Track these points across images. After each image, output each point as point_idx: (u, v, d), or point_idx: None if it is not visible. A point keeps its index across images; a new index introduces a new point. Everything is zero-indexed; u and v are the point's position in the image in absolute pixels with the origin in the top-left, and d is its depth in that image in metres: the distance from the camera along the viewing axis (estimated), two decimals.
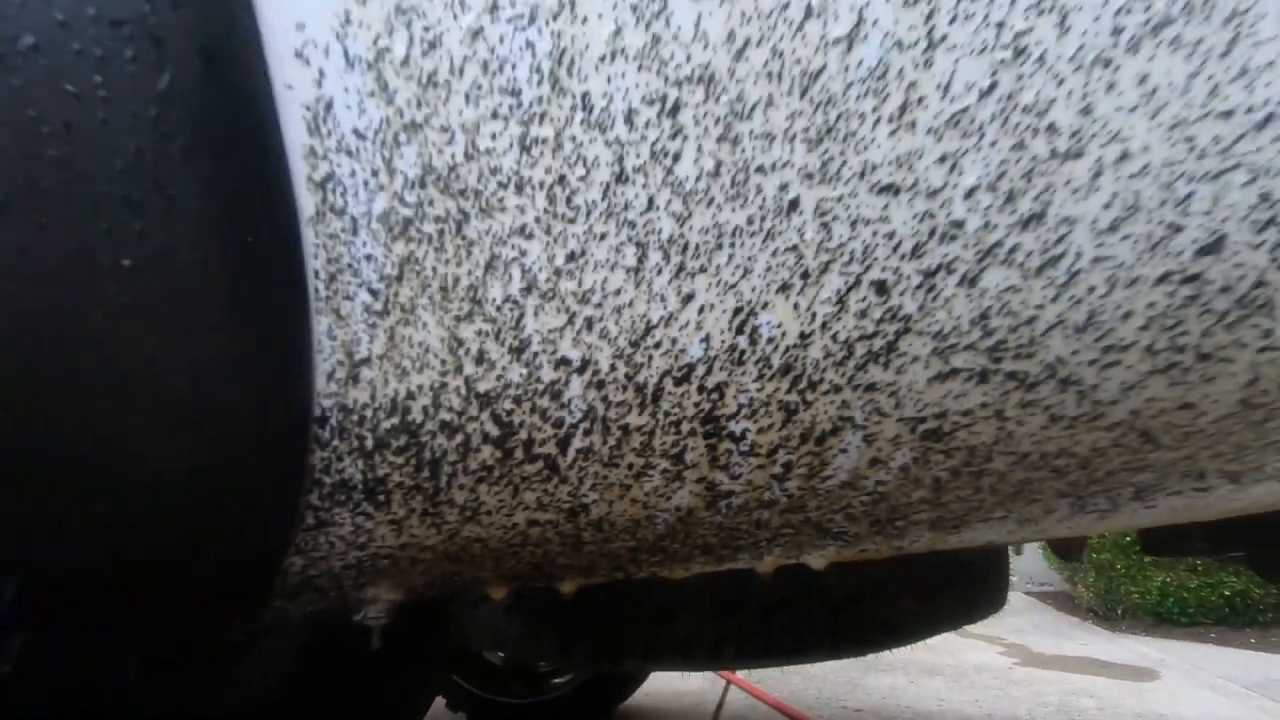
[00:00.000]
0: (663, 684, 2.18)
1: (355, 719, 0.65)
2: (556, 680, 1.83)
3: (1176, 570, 3.21)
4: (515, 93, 0.24)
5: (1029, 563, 4.21)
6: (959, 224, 0.26)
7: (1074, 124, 0.24)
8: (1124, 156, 0.25)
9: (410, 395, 0.24)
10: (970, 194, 0.25)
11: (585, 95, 0.24)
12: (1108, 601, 3.39)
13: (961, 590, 0.76)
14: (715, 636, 0.63)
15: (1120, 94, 0.24)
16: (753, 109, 0.24)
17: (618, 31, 0.24)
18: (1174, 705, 2.10)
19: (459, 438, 0.26)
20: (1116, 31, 0.23)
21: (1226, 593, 3.02)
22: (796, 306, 0.26)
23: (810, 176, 0.25)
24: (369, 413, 0.24)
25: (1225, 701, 2.14)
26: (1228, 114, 0.24)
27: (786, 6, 0.24)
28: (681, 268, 0.25)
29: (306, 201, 0.24)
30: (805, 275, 0.26)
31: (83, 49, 0.23)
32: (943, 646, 2.75)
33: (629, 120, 0.24)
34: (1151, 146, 0.24)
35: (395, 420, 0.25)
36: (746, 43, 0.24)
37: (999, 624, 3.30)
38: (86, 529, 0.26)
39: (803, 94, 0.24)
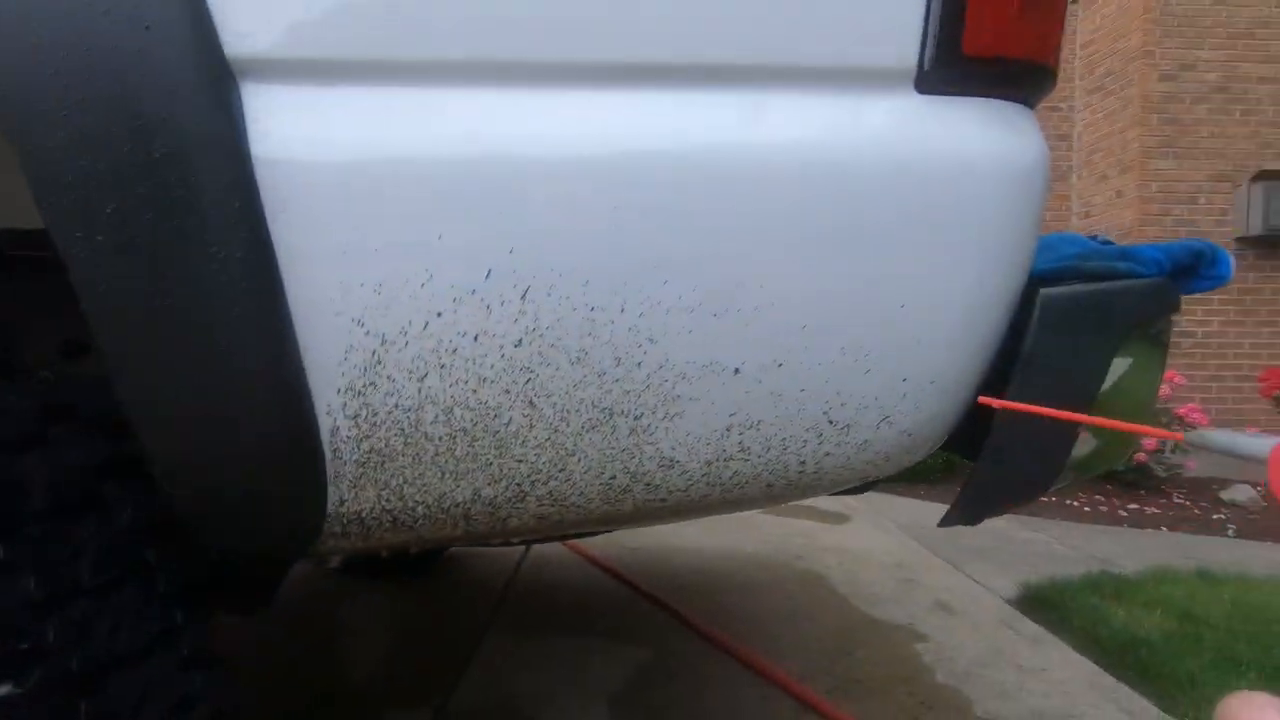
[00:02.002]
0: None
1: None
2: None
3: None
4: None
5: None
6: None
7: None
8: None
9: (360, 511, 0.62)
10: None
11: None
12: None
13: None
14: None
15: None
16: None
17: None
18: (852, 540, 3.01)
19: (374, 526, 0.64)
20: None
21: None
22: None
23: None
24: (344, 514, 0.62)
25: (881, 536, 3.09)
26: None
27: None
28: None
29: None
30: None
31: None
32: None
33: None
34: None
35: (353, 517, 0.63)
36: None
37: None
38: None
39: None
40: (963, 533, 3.20)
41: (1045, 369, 0.64)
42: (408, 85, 0.52)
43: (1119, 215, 5.25)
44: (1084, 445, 0.72)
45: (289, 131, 0.51)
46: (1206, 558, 2.94)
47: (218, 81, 0.50)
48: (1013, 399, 0.63)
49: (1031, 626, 2.12)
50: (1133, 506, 3.92)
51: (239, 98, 0.51)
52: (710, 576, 2.60)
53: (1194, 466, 4.27)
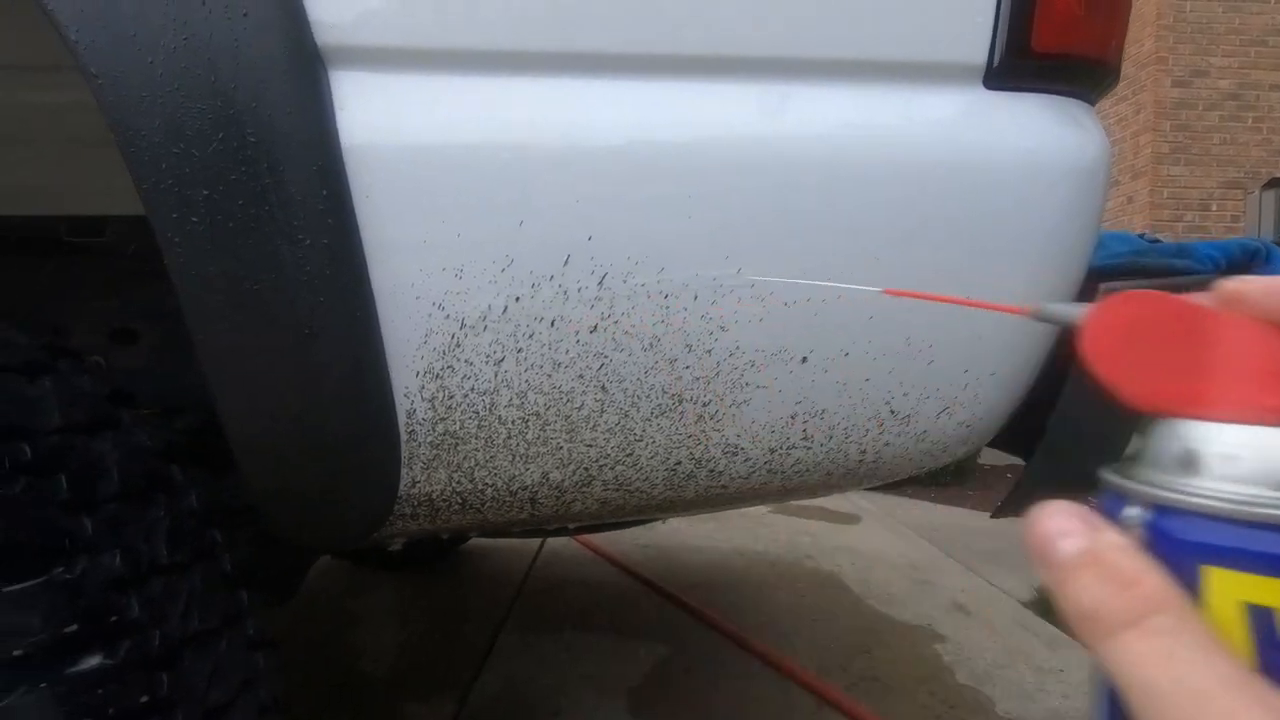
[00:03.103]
0: None
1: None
2: None
3: None
4: None
5: None
6: None
7: None
8: None
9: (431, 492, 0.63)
10: None
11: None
12: None
13: None
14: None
15: None
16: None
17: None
18: (860, 540, 3.01)
19: (443, 508, 0.65)
20: None
21: None
22: None
23: None
24: (415, 495, 0.63)
25: (892, 537, 3.09)
26: None
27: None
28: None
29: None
30: None
31: None
32: None
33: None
34: None
35: (423, 499, 0.64)
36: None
37: None
38: None
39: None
40: (974, 535, 3.20)
41: None
42: (492, 74, 0.54)
43: (1130, 221, 5.26)
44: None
45: (377, 119, 0.52)
46: None
47: (308, 69, 0.51)
48: (1070, 393, 0.64)
49: (1048, 629, 2.12)
50: None
51: (328, 86, 0.52)
52: (722, 574, 2.61)
53: None
